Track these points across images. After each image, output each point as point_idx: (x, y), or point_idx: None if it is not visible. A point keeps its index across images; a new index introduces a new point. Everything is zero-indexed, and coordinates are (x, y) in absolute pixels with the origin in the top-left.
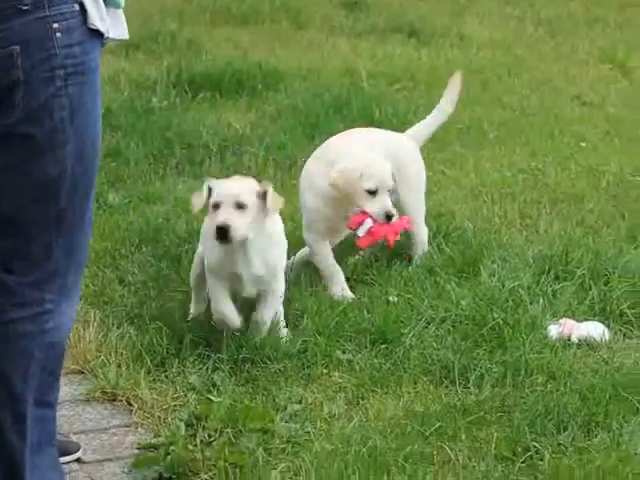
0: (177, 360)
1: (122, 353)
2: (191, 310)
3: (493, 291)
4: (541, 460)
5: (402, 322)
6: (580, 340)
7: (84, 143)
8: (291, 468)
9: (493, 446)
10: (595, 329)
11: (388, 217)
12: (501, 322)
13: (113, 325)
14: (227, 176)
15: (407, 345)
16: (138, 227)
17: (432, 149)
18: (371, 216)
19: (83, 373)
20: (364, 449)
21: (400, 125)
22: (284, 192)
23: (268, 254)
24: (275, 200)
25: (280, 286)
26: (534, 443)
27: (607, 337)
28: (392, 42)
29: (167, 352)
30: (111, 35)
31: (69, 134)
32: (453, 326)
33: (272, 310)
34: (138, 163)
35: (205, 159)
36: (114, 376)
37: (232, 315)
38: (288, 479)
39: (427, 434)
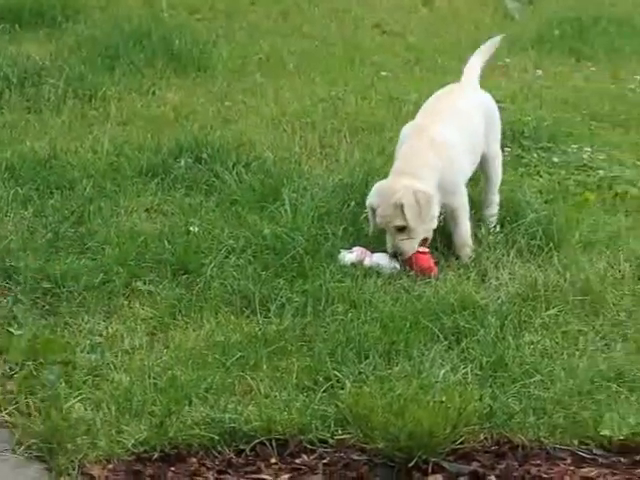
0: None
1: None
2: None
3: (294, 220)
4: (342, 389)
5: (203, 252)
6: (372, 266)
7: None
8: (92, 400)
9: (294, 376)
10: (385, 259)
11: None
12: (301, 251)
13: None
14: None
15: (208, 275)
16: None
17: (232, 79)
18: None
19: None
20: (164, 380)
21: (200, 55)
22: (84, 123)
23: None
24: None
25: None
26: (335, 372)
27: (398, 267)
28: None
29: None
30: None
31: None
32: (254, 256)
33: None
34: None
35: (5, 91)
36: None
37: None
38: (90, 411)
39: (228, 364)
